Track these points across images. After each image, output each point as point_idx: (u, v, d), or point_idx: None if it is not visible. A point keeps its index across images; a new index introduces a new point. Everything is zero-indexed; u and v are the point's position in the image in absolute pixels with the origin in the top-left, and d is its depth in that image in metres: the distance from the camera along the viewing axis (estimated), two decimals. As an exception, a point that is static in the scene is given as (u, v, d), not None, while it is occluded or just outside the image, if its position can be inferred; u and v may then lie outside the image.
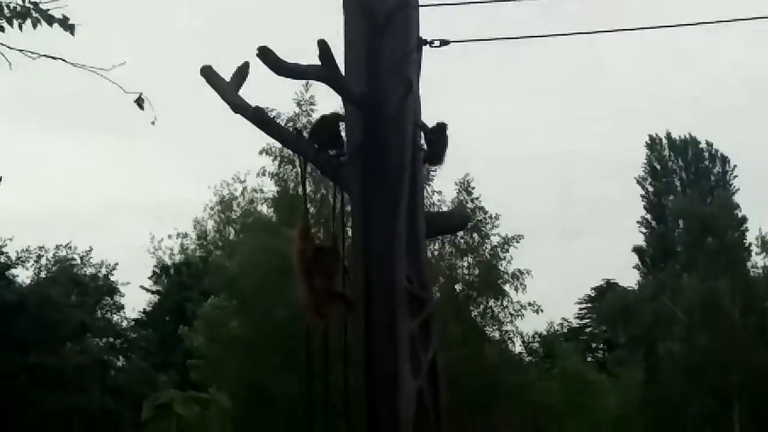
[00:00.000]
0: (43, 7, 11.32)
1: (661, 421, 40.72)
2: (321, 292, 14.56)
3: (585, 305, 78.45)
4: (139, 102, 12.24)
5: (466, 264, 47.23)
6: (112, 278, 53.47)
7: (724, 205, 45.53)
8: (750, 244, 47.06)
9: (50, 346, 46.59)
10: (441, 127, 14.21)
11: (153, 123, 12.44)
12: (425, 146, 15.03)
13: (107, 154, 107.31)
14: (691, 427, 39.26)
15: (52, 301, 47.28)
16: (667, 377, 40.98)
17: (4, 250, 48.47)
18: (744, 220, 49.57)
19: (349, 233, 19.83)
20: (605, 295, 61.94)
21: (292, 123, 42.00)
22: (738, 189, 77.43)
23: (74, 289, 50.16)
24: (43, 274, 50.33)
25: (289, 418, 40.21)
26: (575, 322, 79.36)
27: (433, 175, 45.76)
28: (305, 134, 15.44)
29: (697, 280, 41.58)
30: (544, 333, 69.14)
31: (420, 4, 14.15)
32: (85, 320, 49.28)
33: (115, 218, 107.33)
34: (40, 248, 51.04)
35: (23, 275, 50.26)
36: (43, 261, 50.46)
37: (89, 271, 52.93)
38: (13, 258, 49.00)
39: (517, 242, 46.49)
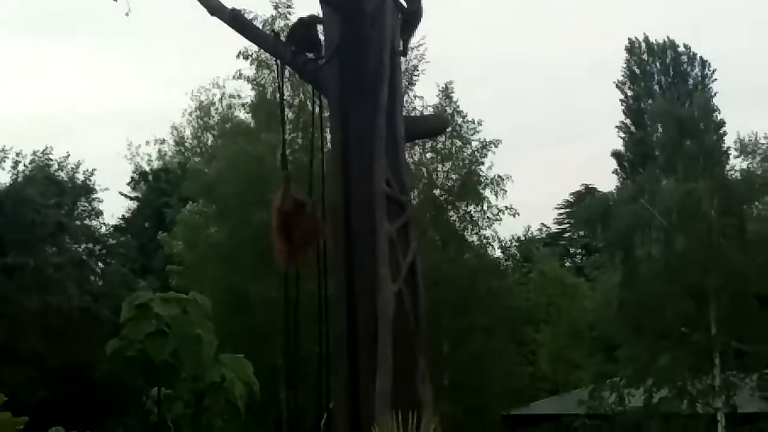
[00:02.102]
0: None
1: (638, 323, 41.03)
2: (297, 242, 14.61)
3: (563, 210, 78.79)
4: (114, -9, 11.91)
5: (445, 169, 47.24)
6: (89, 183, 53.13)
7: (703, 108, 45.34)
8: (728, 148, 47.16)
9: (28, 247, 46.40)
10: None
11: (127, 14, 12.15)
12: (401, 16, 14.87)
13: (82, 59, 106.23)
14: (667, 327, 39.60)
15: (29, 200, 46.92)
16: (644, 280, 41.17)
17: (-21, 150, 48.01)
18: (722, 123, 49.53)
19: (328, 138, 19.76)
20: (583, 200, 62.16)
21: (269, 26, 41.61)
22: (717, 93, 77.53)
23: (51, 189, 49.71)
24: (20, 179, 49.85)
25: (268, 322, 40.43)
26: (553, 228, 79.81)
27: (415, 80, 45.63)
28: (282, 37, 15.27)
29: (675, 182, 41.59)
30: (522, 238, 69.66)
31: None
32: (63, 221, 48.94)
33: (90, 125, 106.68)
34: (17, 154, 50.59)
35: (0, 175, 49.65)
36: (20, 167, 50.08)
37: (67, 176, 52.58)
38: (-11, 158, 48.45)
39: (496, 147, 46.52)
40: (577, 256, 78.79)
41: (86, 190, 52.59)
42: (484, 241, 48.26)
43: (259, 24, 40.18)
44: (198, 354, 9.07)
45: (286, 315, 15.63)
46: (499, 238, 49.89)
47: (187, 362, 9.12)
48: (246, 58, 44.65)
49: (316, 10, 14.90)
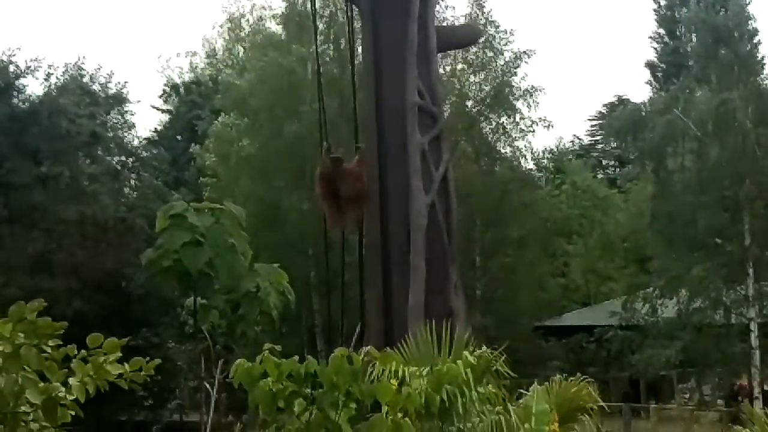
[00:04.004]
0: None
1: (671, 234, 40.92)
2: (348, 199, 14.62)
3: (596, 122, 78.27)
4: None
5: (478, 80, 46.97)
6: (122, 94, 52.91)
7: (738, 15, 44.55)
8: (763, 57, 46.51)
9: (62, 156, 46.44)
10: None
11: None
12: None
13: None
14: (701, 238, 39.46)
15: (63, 110, 46.84)
16: (677, 191, 40.97)
17: (13, 59, 47.70)
18: (756, 32, 48.68)
19: (360, 49, 19.65)
20: (616, 111, 61.74)
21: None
22: (751, 1, 76.04)
23: (85, 99, 49.46)
24: (54, 89, 49.65)
25: (300, 233, 40.66)
26: (586, 139, 79.41)
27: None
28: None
29: (709, 92, 41.11)
30: (555, 149, 69.36)
31: None
32: (98, 131, 48.87)
33: (120, 38, 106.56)
34: (50, 66, 50.42)
35: (33, 86, 49.67)
36: (53, 80, 49.95)
37: (99, 88, 52.41)
38: (23, 68, 48.05)
39: (529, 57, 46.11)
40: (610, 168, 78.45)
41: (119, 100, 52.39)
42: (517, 152, 48.15)
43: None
44: (233, 263, 9.15)
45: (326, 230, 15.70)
46: (531, 150, 49.77)
47: (222, 272, 9.21)
48: (276, -31, 44.43)
49: None
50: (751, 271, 38.65)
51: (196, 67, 74.66)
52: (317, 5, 41.18)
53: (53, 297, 37.91)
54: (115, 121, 52.74)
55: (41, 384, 5.50)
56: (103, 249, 45.51)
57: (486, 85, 46.61)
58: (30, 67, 48.28)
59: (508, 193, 45.08)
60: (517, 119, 46.23)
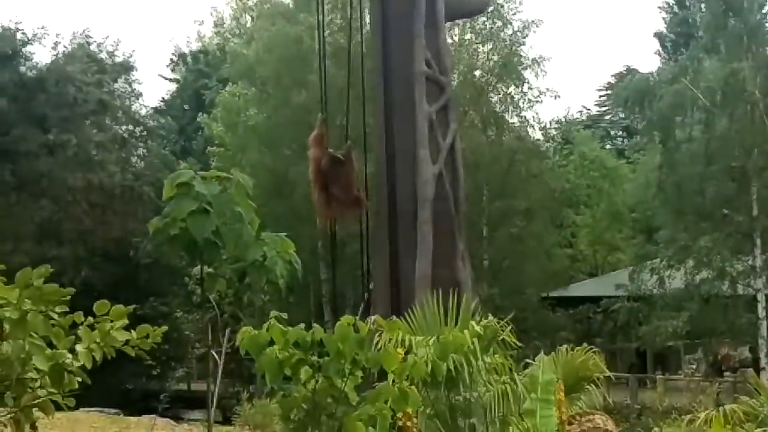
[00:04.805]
0: None
1: (678, 205, 40.84)
2: (338, 200, 14.58)
3: (604, 92, 78.01)
4: None
5: (486, 50, 46.83)
6: (130, 62, 52.82)
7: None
8: (771, 27, 46.25)
9: (70, 124, 46.44)
10: None
11: None
12: None
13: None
14: (708, 209, 39.39)
15: (70, 78, 46.82)
16: (685, 161, 40.86)
17: (20, 27, 47.65)
18: (765, 2, 48.42)
19: (367, 20, 19.59)
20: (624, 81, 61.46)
21: None
22: (760, -31, 75.36)
23: (92, 67, 49.39)
24: (61, 57, 49.56)
25: (307, 204, 40.62)
26: (594, 110, 79.20)
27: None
28: None
29: (718, 62, 40.93)
30: (563, 120, 69.24)
31: None
32: (104, 99, 48.82)
33: (128, 7, 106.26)
34: (57, 35, 50.44)
35: (40, 54, 49.60)
36: (60, 48, 49.89)
37: (107, 55, 52.34)
38: (30, 35, 47.94)
39: (537, 26, 45.97)
40: (618, 138, 78.27)
41: (126, 69, 52.35)
42: (525, 123, 48.06)
43: None
44: (240, 232, 9.14)
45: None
46: (539, 120, 49.67)
47: (229, 241, 9.20)
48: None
49: None
50: (758, 241, 38.60)
51: (203, 36, 74.59)
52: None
53: (61, 265, 38.02)
54: (123, 89, 52.72)
55: (48, 350, 5.51)
56: (110, 217, 45.63)
57: (494, 55, 46.49)
58: (37, 34, 48.23)
59: (516, 163, 45.03)
60: (525, 89, 46.20)
